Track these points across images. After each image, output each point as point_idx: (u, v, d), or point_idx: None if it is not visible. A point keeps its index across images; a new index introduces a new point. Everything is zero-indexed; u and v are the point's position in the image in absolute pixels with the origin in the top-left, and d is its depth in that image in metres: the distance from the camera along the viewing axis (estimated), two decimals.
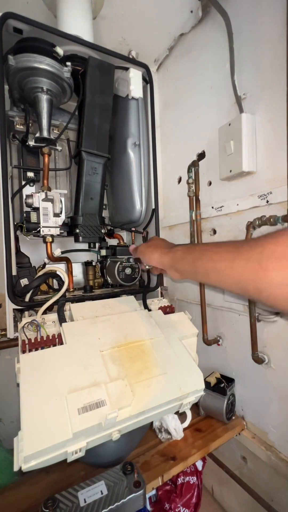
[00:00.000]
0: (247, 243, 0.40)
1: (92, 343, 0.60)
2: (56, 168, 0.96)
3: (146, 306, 0.82)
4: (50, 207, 0.80)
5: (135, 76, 0.89)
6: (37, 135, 0.79)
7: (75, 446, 0.46)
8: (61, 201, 0.82)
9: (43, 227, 0.79)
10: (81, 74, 0.82)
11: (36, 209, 0.80)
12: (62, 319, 0.66)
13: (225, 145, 0.77)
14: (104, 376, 0.54)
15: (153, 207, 0.96)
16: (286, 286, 0.34)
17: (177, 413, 0.66)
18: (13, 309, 0.74)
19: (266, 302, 0.38)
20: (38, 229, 0.80)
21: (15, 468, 0.42)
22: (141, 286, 0.98)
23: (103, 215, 0.95)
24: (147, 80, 0.96)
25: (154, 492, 0.90)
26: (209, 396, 0.82)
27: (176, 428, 0.74)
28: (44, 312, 0.69)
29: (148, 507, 0.89)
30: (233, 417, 0.85)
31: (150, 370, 0.58)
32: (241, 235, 0.77)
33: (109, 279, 0.95)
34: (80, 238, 0.86)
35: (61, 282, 0.76)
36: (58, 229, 0.82)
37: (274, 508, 0.77)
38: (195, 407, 0.87)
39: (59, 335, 0.62)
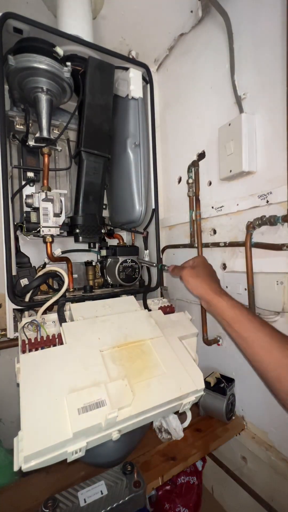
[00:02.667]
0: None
1: (92, 343, 0.60)
2: (56, 168, 0.96)
3: (146, 306, 0.82)
4: (50, 207, 0.80)
5: (135, 76, 0.89)
6: (37, 135, 0.79)
7: (75, 446, 0.46)
8: (61, 201, 0.82)
9: (43, 227, 0.79)
10: (81, 74, 0.82)
11: (36, 209, 0.80)
12: (62, 319, 0.66)
13: (225, 145, 0.77)
14: (104, 376, 0.54)
15: (153, 207, 0.96)
16: None
17: (177, 413, 0.66)
18: (13, 309, 0.74)
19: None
20: (38, 229, 0.80)
21: (15, 468, 0.42)
22: (141, 286, 0.98)
23: (103, 215, 0.95)
24: (147, 80, 0.95)
25: (154, 492, 0.90)
26: (209, 396, 0.82)
27: (176, 428, 0.74)
28: (44, 312, 0.70)
29: (148, 507, 0.89)
30: (233, 417, 0.85)
31: (150, 370, 0.58)
32: (241, 235, 0.77)
33: (109, 279, 0.95)
34: (80, 238, 0.86)
35: (61, 282, 0.76)
36: (58, 229, 0.82)
37: (274, 508, 0.77)
38: (195, 407, 0.87)
39: (59, 335, 0.62)
